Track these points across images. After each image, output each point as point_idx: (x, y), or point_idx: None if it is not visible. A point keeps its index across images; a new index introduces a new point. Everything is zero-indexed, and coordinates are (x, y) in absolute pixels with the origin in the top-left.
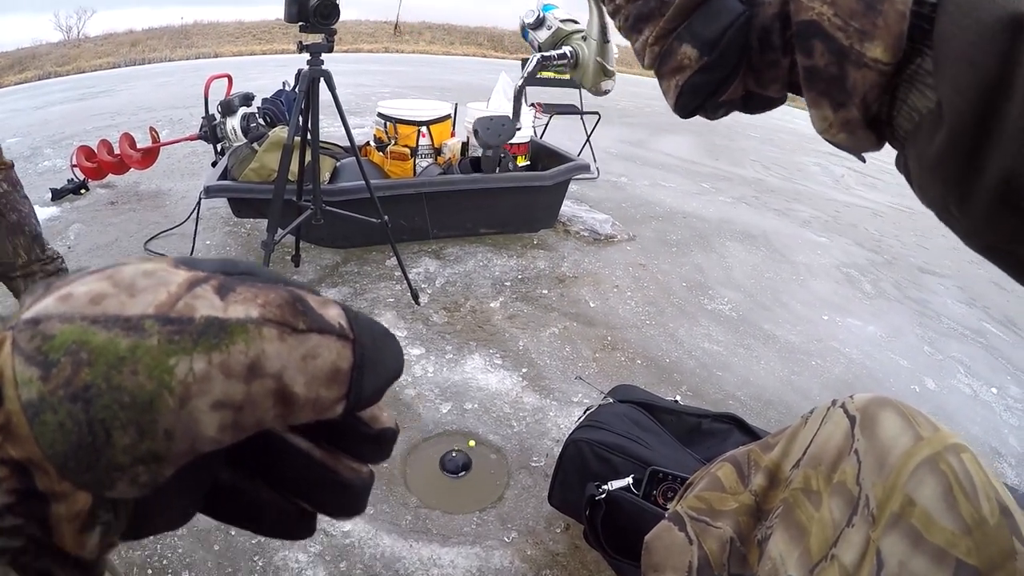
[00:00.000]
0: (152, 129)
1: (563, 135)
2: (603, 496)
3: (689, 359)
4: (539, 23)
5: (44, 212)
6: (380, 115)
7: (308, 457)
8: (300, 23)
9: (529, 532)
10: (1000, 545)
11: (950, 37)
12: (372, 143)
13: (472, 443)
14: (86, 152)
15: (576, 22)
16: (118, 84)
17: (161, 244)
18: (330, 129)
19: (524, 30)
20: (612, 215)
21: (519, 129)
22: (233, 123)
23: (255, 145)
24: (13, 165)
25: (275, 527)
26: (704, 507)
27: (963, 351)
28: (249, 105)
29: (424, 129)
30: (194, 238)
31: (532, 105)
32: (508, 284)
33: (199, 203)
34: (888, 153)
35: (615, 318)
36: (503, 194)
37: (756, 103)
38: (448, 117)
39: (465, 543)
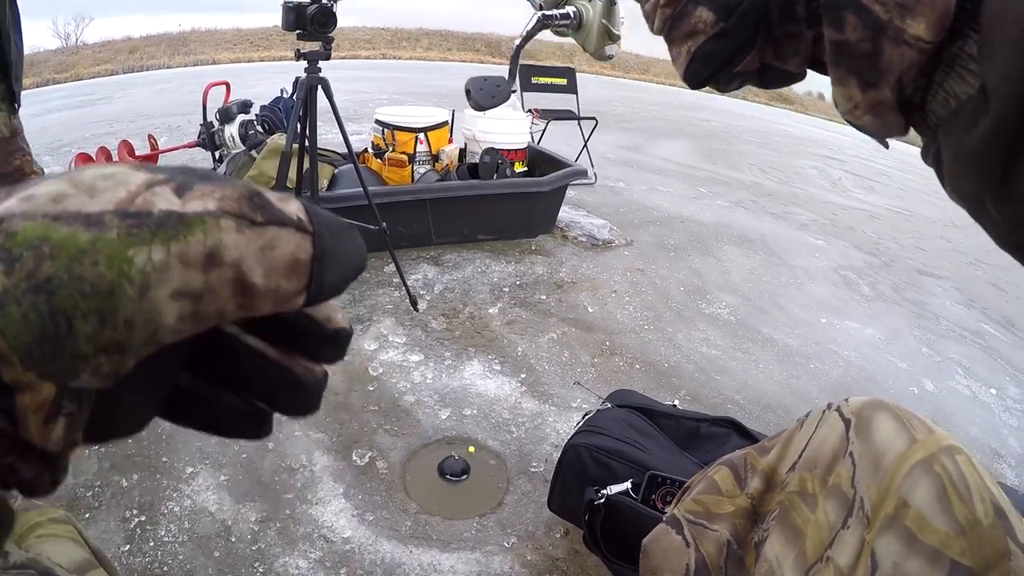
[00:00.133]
0: (151, 136)
1: (560, 140)
2: (602, 501)
3: (687, 363)
4: None
5: None
6: (378, 122)
7: (263, 356)
8: (297, 31)
9: (529, 537)
10: (994, 545)
11: (1001, 19)
12: (370, 150)
13: (472, 449)
14: (85, 159)
15: None
16: (116, 91)
17: None
18: (328, 136)
19: None
20: (610, 220)
21: (514, 91)
22: (231, 130)
23: (253, 152)
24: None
25: (232, 428)
26: (701, 510)
27: (962, 352)
28: (247, 112)
29: (422, 136)
30: None
31: (529, 111)
32: (506, 290)
33: None
34: (886, 155)
35: (613, 323)
36: (501, 200)
37: (773, 77)
38: (445, 123)
39: (465, 549)
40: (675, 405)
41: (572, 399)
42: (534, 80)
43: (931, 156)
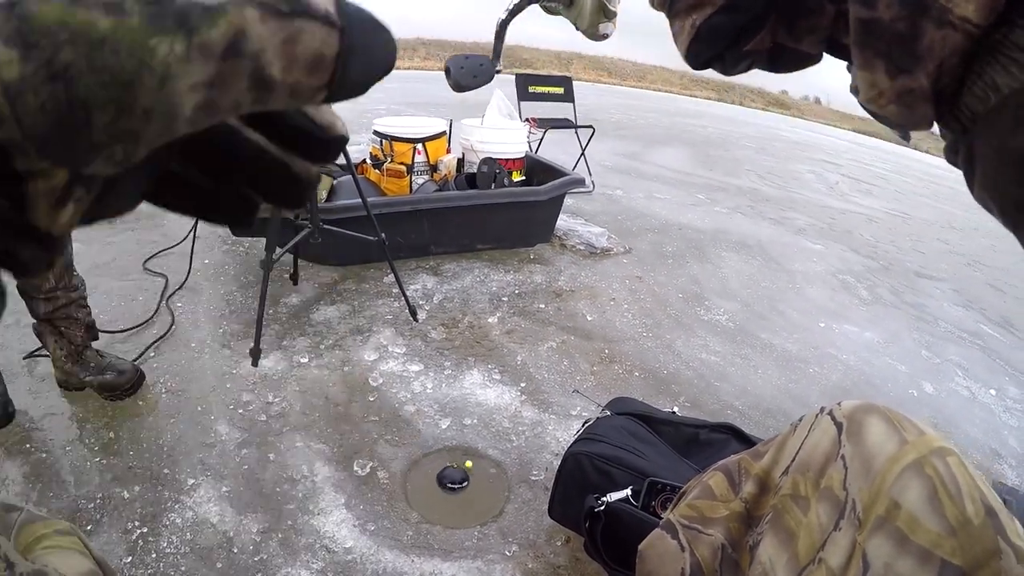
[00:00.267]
0: None
1: (558, 149)
2: (602, 508)
3: (687, 370)
4: None
5: None
6: (376, 133)
7: (263, 151)
8: None
9: (530, 545)
10: (984, 544)
11: None
12: (368, 161)
13: (469, 464)
14: None
15: None
16: None
17: (159, 263)
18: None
19: None
20: (608, 228)
21: (499, 72)
22: None
23: None
24: None
25: (219, 214)
26: (696, 515)
27: (961, 354)
28: None
29: (420, 146)
30: (191, 257)
31: (526, 120)
32: (505, 299)
33: (197, 222)
34: (883, 159)
35: (612, 331)
36: (499, 210)
37: (785, 59)
38: (443, 134)
39: (466, 557)
40: (674, 412)
41: (572, 407)
42: (531, 89)
43: (961, 156)
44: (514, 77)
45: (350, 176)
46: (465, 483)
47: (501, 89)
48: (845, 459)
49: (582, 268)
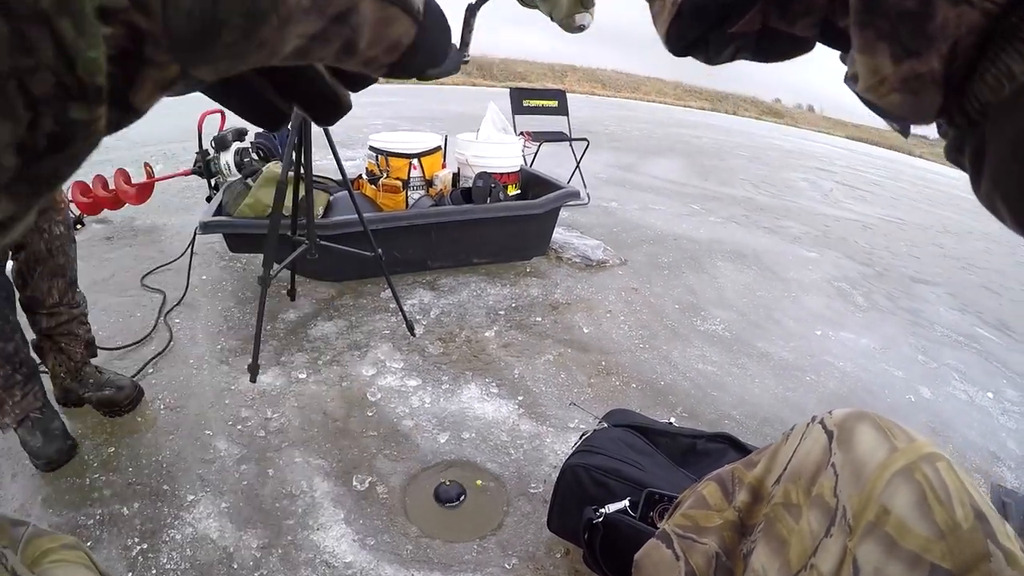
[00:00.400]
0: (147, 165)
1: (553, 162)
2: (600, 520)
3: (684, 381)
4: None
5: None
6: (372, 148)
7: (322, 77)
8: None
9: (529, 558)
10: (974, 548)
11: None
12: (364, 176)
13: (479, 483)
14: (81, 187)
15: None
16: None
17: (157, 279)
18: (322, 162)
19: None
20: (603, 240)
21: (466, 61)
22: (227, 158)
23: (249, 181)
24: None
25: (261, 115)
26: (690, 524)
27: (957, 358)
28: (242, 140)
29: (415, 161)
30: (188, 273)
31: (521, 134)
32: (502, 313)
33: (194, 238)
34: (877, 165)
35: (609, 343)
36: (495, 224)
37: (774, 45)
38: (439, 149)
39: (466, 571)
40: (671, 423)
41: (569, 420)
42: (525, 103)
43: (967, 152)
44: (508, 91)
45: (346, 192)
46: (462, 497)
47: (496, 103)
48: (836, 467)
49: (578, 281)
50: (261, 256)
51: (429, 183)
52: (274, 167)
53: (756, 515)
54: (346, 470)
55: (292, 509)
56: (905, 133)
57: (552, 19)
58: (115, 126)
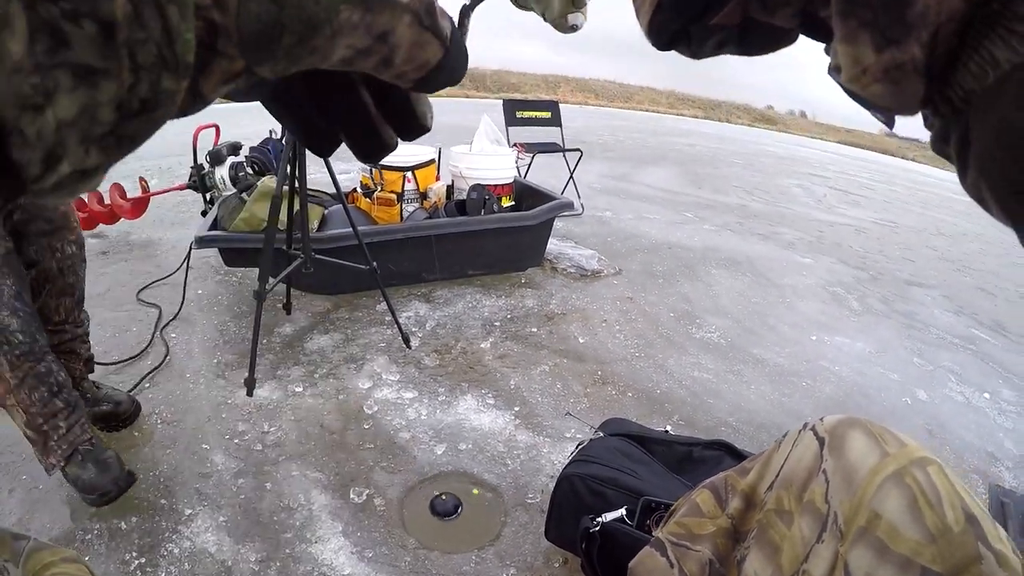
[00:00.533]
0: (142, 179)
1: (546, 173)
2: (597, 529)
3: (680, 389)
4: None
5: None
6: None
7: (368, 109)
8: None
9: (528, 568)
10: (965, 551)
11: None
12: (359, 189)
13: (476, 491)
14: (77, 202)
15: None
16: None
17: (153, 293)
18: (317, 175)
19: None
20: (598, 250)
21: None
22: (221, 172)
23: (244, 195)
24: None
25: (313, 136)
26: (684, 532)
27: (953, 359)
28: (237, 154)
29: (409, 174)
30: (184, 288)
31: (514, 145)
32: (498, 324)
33: (190, 253)
34: (870, 170)
35: (604, 352)
36: (489, 235)
37: (757, 37)
38: (432, 161)
39: None
40: (667, 431)
41: (566, 430)
42: (519, 114)
43: (952, 142)
44: (501, 103)
45: (341, 205)
46: (459, 510)
47: (489, 115)
48: (827, 473)
49: (573, 291)
50: (256, 270)
51: (423, 196)
52: (269, 181)
53: (749, 522)
54: (343, 483)
55: (290, 522)
56: (890, 124)
57: (545, 19)
58: (184, 111)
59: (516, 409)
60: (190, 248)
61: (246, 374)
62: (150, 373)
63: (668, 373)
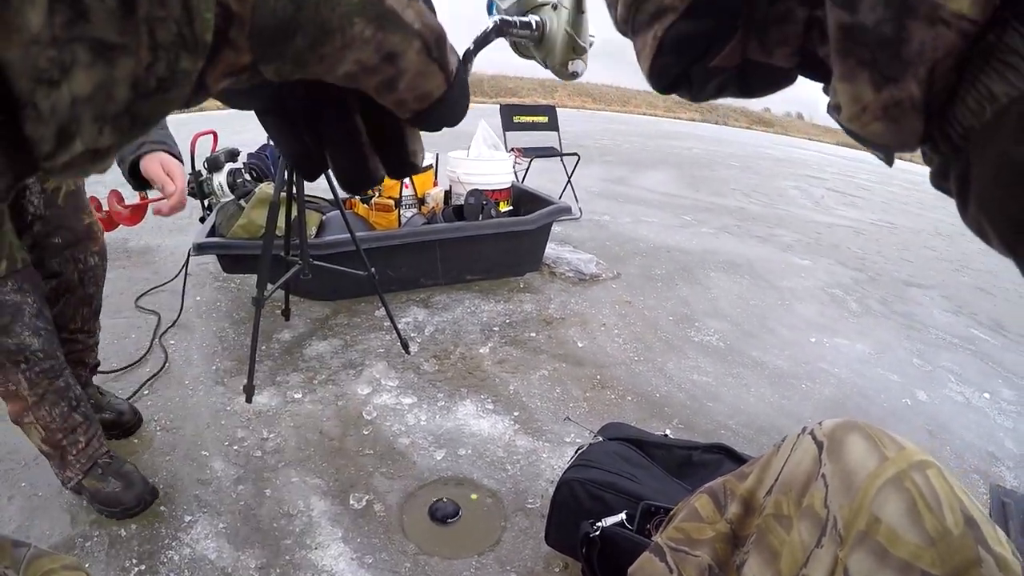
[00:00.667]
0: None
1: (544, 177)
2: (597, 533)
3: (679, 392)
4: None
5: None
6: None
7: (359, 136)
8: None
9: (528, 573)
10: (965, 554)
11: None
12: (356, 195)
13: (475, 496)
14: None
15: None
16: None
17: (152, 300)
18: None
19: (489, 2)
20: (596, 254)
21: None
22: (219, 179)
23: (242, 202)
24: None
25: (297, 155)
26: (682, 537)
27: (953, 359)
28: (235, 161)
29: (407, 180)
30: (183, 294)
31: (512, 150)
32: (496, 329)
33: (188, 260)
34: (867, 171)
35: (603, 357)
36: (487, 240)
37: (757, 78)
38: (430, 167)
39: None
40: (667, 435)
41: (565, 434)
42: (516, 119)
43: (952, 178)
44: (499, 108)
45: (339, 211)
46: (458, 514)
47: (486, 120)
48: (826, 477)
49: (572, 295)
50: (255, 276)
51: (421, 201)
52: (267, 188)
53: (748, 527)
54: (343, 489)
55: (290, 528)
56: (889, 162)
57: (546, 66)
58: (188, 102)
59: (515, 414)
60: (188, 255)
61: (245, 381)
62: (149, 380)
63: (667, 377)
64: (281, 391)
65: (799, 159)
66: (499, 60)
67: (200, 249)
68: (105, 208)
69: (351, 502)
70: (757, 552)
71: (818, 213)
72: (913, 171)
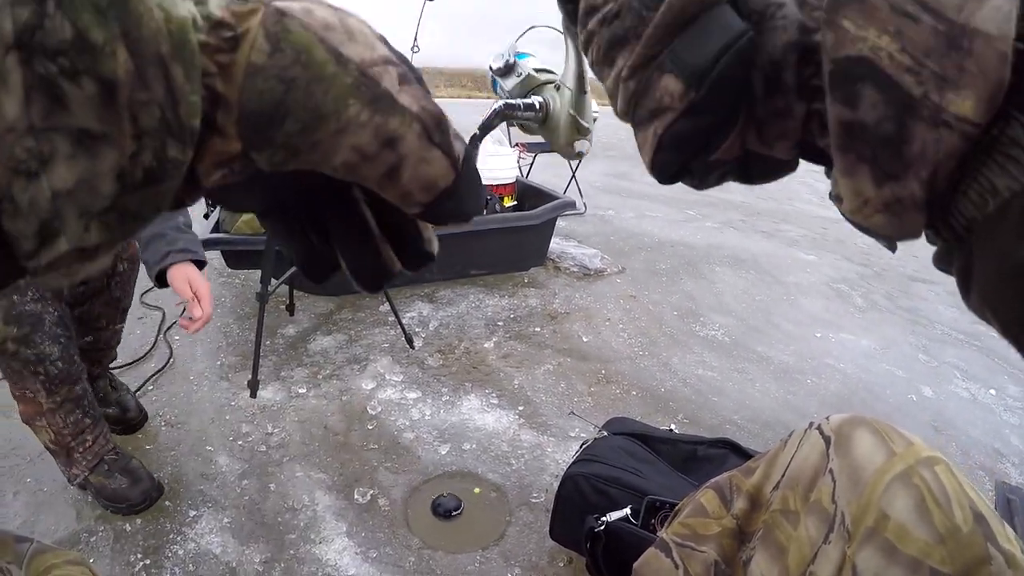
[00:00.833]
0: None
1: (548, 172)
2: (602, 528)
3: (684, 387)
4: (508, 69)
5: None
6: None
7: (369, 228)
8: None
9: (532, 567)
10: (974, 551)
11: None
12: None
13: (477, 491)
14: None
15: (552, 72)
16: None
17: (156, 296)
18: None
19: (492, 79)
20: (600, 249)
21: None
22: None
23: None
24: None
25: (306, 257)
26: (688, 532)
27: (959, 355)
28: None
29: None
30: None
31: (516, 145)
32: (501, 324)
33: None
34: None
35: (608, 351)
36: (492, 235)
37: (758, 167)
38: None
39: None
40: (672, 429)
41: (570, 429)
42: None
43: (955, 266)
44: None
45: None
46: (461, 509)
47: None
48: (833, 473)
49: (576, 290)
50: (259, 272)
51: None
52: None
53: (755, 522)
54: (347, 483)
55: (294, 523)
56: (892, 248)
57: (552, 147)
58: (182, 200)
59: (520, 409)
60: None
61: (250, 376)
62: (154, 375)
63: (672, 371)
64: (285, 386)
65: None
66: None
67: (204, 245)
68: None
69: (355, 496)
70: (764, 548)
71: (823, 208)
72: None
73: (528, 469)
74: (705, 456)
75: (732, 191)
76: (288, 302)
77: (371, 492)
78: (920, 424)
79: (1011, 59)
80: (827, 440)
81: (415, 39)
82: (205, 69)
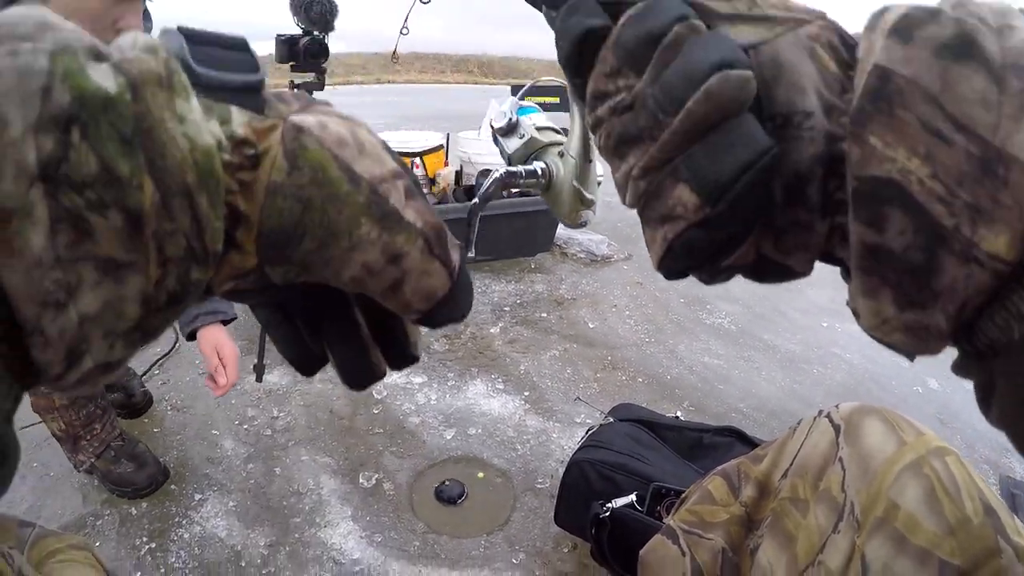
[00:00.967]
0: None
1: None
2: (607, 514)
3: (690, 374)
4: (510, 129)
5: None
6: None
7: (360, 330)
8: (291, 63)
9: (537, 553)
10: (984, 543)
11: None
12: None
13: (481, 475)
14: None
15: (557, 132)
16: None
17: None
18: None
19: (494, 136)
20: (608, 235)
21: (472, 259)
22: None
23: None
24: None
25: (297, 357)
26: (695, 520)
27: None
28: None
29: (417, 160)
30: None
31: None
32: (507, 309)
33: None
34: None
35: (615, 338)
36: (499, 221)
37: (770, 272)
38: (441, 147)
39: (474, 566)
40: (678, 416)
41: (576, 415)
42: (527, 100)
43: (975, 381)
44: (510, 89)
45: None
46: (465, 494)
47: (497, 101)
48: (843, 461)
49: (583, 276)
50: None
51: (432, 181)
52: None
53: (763, 510)
54: (353, 467)
55: (299, 507)
56: (911, 359)
57: (555, 214)
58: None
59: (526, 394)
60: None
61: (255, 360)
62: (159, 360)
63: (678, 358)
64: (291, 370)
65: None
66: (512, 41)
67: None
68: None
69: (361, 481)
70: (772, 536)
71: None
72: None
73: (533, 454)
74: (711, 444)
75: None
76: None
77: (376, 476)
78: (926, 416)
79: None
80: (837, 428)
81: (404, 22)
82: (227, 187)
